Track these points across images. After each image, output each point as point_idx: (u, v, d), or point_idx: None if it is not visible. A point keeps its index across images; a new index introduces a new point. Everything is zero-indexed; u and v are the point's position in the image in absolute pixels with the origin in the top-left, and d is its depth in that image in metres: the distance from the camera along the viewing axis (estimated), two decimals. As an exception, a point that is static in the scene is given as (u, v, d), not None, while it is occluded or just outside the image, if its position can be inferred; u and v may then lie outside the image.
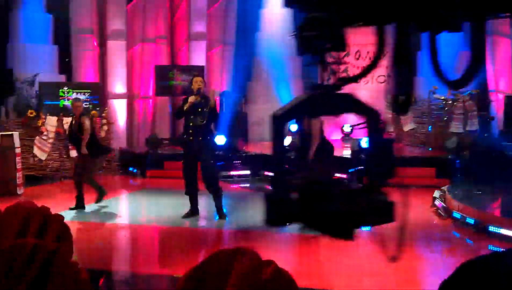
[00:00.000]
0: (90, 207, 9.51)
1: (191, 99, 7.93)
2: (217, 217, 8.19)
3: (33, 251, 2.01)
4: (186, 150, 8.13)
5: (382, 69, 16.67)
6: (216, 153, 8.95)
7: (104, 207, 9.41)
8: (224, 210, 8.24)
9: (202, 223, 8.36)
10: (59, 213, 7.95)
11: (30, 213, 2.61)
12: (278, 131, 2.51)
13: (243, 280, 1.74)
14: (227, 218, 8.21)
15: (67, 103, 12.81)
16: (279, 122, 2.51)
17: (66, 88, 13.22)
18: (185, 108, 7.95)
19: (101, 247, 7.35)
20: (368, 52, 16.77)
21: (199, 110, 7.91)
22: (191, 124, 7.93)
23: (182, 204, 8.33)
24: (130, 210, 9.47)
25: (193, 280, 1.83)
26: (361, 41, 16.79)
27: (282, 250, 7.00)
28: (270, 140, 2.55)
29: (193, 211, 8.24)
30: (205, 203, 9.17)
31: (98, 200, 9.18)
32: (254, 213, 8.79)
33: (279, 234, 7.81)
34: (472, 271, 1.50)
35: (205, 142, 7.95)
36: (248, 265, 1.76)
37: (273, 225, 2.73)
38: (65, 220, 7.51)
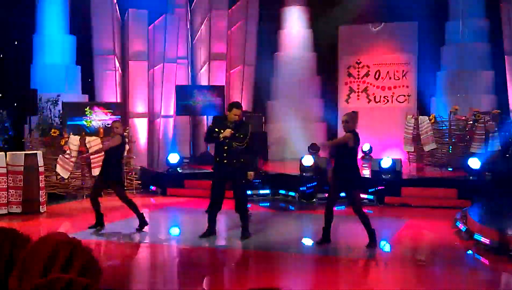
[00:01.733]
0: (109, 226, 9.60)
1: (227, 133, 7.89)
2: (242, 237, 8.20)
3: (68, 287, 2.06)
4: (217, 170, 8.19)
5: (402, 89, 16.76)
6: None
7: (124, 226, 9.48)
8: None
9: (221, 242, 8.39)
10: (82, 231, 8.02)
11: (59, 244, 2.66)
12: None
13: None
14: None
15: (91, 122, 13.03)
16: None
17: (89, 108, 13.38)
18: (219, 137, 7.93)
19: (121, 266, 7.40)
20: (387, 72, 16.80)
21: (236, 135, 7.97)
22: (225, 147, 7.97)
23: (203, 223, 8.37)
24: (150, 229, 9.52)
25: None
26: (380, 61, 16.86)
27: (302, 270, 6.99)
28: None
29: (211, 231, 8.28)
30: (222, 223, 9.23)
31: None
32: (274, 233, 8.82)
33: (299, 255, 7.81)
34: None
35: (240, 165, 8.01)
36: None
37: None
38: (86, 239, 7.57)
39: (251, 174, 8.13)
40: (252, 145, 8.27)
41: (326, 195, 8.93)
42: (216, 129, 8.03)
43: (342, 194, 8.30)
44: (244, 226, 8.25)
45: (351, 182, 7.71)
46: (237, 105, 8.22)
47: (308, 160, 12.18)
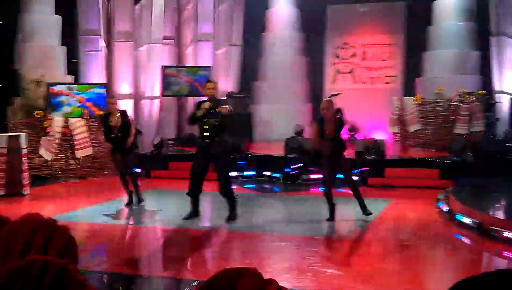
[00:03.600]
0: (93, 208, 9.60)
1: (206, 105, 7.99)
2: (227, 218, 8.22)
3: (43, 268, 2.06)
4: (200, 151, 8.18)
5: (389, 70, 16.76)
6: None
7: (108, 207, 9.49)
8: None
9: (205, 224, 8.41)
10: (68, 212, 7.99)
11: (36, 225, 2.66)
12: None
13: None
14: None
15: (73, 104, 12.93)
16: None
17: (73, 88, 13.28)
18: (198, 114, 8.02)
19: (105, 248, 7.41)
20: (375, 53, 16.78)
21: (212, 111, 7.98)
22: (205, 126, 8.00)
23: (187, 205, 8.39)
24: (134, 210, 9.53)
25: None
26: (367, 42, 16.84)
27: (286, 251, 7.03)
28: None
29: (195, 213, 8.30)
30: (208, 204, 9.25)
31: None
32: (259, 214, 8.86)
33: (283, 235, 7.85)
34: None
35: (221, 143, 8.04)
36: (251, 285, 1.82)
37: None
38: (70, 221, 7.56)
39: (226, 107, 7.98)
40: (231, 121, 8.21)
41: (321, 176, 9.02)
42: (197, 112, 8.07)
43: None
44: (231, 208, 8.27)
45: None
46: (209, 79, 8.58)
47: (293, 142, 12.20)
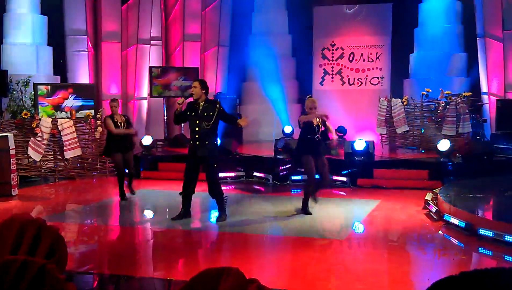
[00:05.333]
0: (84, 208, 9.57)
1: (180, 100, 8.17)
2: (217, 219, 8.26)
3: (23, 268, 2.06)
4: (191, 153, 8.19)
5: (376, 71, 16.86)
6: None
7: (98, 208, 9.46)
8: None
9: (196, 225, 8.41)
10: (57, 213, 7.96)
11: (24, 225, 2.65)
12: None
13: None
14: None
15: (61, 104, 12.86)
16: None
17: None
18: (179, 106, 8.09)
19: (94, 249, 7.38)
20: (361, 54, 16.86)
21: (205, 114, 7.97)
22: (197, 128, 8.00)
23: (176, 205, 8.39)
24: (124, 211, 9.50)
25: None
26: (355, 43, 16.91)
27: (276, 252, 7.05)
28: None
29: (185, 213, 8.31)
30: (197, 205, 9.25)
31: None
32: (248, 215, 8.86)
33: (274, 236, 7.88)
34: None
35: (211, 146, 8.02)
36: (233, 284, 1.83)
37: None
38: (59, 222, 7.54)
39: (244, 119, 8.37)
40: (226, 116, 8.25)
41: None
42: (188, 113, 8.06)
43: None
44: (220, 209, 8.29)
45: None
46: (195, 79, 8.91)
47: (282, 143, 12.22)
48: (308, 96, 8.82)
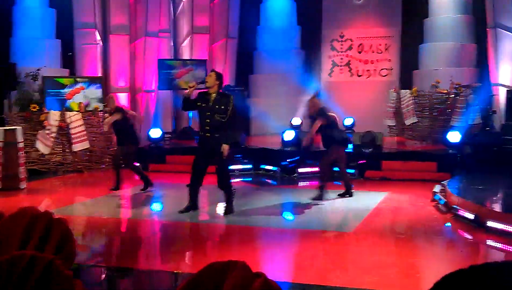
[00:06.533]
0: (92, 201, 9.61)
1: (191, 84, 8.11)
2: (225, 212, 8.24)
3: (31, 263, 2.05)
4: (201, 145, 8.16)
5: (385, 63, 16.75)
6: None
7: (105, 201, 9.49)
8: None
9: (203, 217, 8.42)
10: (65, 206, 8.02)
11: (34, 218, 2.65)
12: None
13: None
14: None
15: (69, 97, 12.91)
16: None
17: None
18: (188, 93, 8.05)
19: (102, 242, 7.41)
20: (371, 46, 16.77)
21: (217, 107, 7.91)
22: (208, 120, 7.94)
23: (184, 198, 8.39)
24: (132, 204, 9.53)
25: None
26: (363, 34, 16.83)
27: (283, 244, 7.05)
28: None
29: (193, 206, 8.30)
30: (205, 198, 9.26)
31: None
32: (256, 208, 8.86)
33: (281, 229, 7.87)
34: (451, 285, 1.54)
35: (222, 139, 7.92)
36: (239, 278, 1.82)
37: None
38: (67, 215, 7.55)
39: (225, 147, 7.91)
40: (235, 117, 8.10)
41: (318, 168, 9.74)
42: (199, 104, 8.01)
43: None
44: (228, 202, 8.27)
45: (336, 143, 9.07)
46: (211, 70, 8.65)
47: (289, 135, 12.20)
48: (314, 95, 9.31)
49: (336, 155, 9.12)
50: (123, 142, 10.04)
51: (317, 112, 8.90)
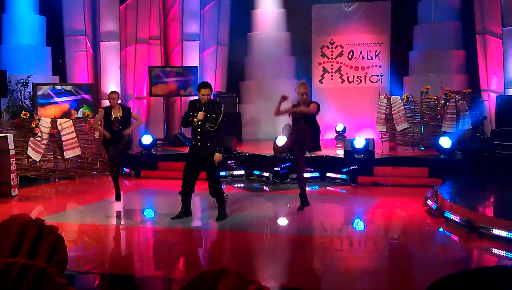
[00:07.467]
0: (82, 208, 9.56)
1: (200, 117, 7.91)
2: (217, 218, 8.21)
3: (23, 271, 2.05)
4: (192, 153, 8.17)
5: (375, 69, 16.85)
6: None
7: (98, 208, 9.45)
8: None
9: (196, 224, 8.40)
10: (57, 213, 7.96)
11: (25, 225, 2.64)
12: None
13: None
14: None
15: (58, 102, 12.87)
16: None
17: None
18: (194, 121, 7.95)
19: (94, 249, 7.37)
20: (361, 52, 16.85)
21: (208, 116, 7.93)
22: (199, 129, 7.97)
23: (177, 205, 8.38)
24: (124, 210, 9.50)
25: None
26: (354, 41, 16.90)
27: (276, 250, 7.04)
28: None
29: (186, 212, 8.30)
30: (197, 204, 9.25)
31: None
32: (249, 214, 8.86)
33: (273, 235, 7.87)
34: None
35: (213, 148, 7.95)
36: (233, 285, 1.82)
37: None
38: (59, 222, 7.51)
39: (217, 156, 7.93)
40: (223, 125, 8.09)
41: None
42: (191, 113, 8.03)
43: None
44: (221, 208, 8.27)
45: (305, 144, 8.58)
46: (204, 85, 8.13)
47: (281, 141, 12.19)
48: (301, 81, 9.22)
49: (303, 158, 8.83)
50: (113, 143, 9.44)
51: (310, 100, 8.91)
